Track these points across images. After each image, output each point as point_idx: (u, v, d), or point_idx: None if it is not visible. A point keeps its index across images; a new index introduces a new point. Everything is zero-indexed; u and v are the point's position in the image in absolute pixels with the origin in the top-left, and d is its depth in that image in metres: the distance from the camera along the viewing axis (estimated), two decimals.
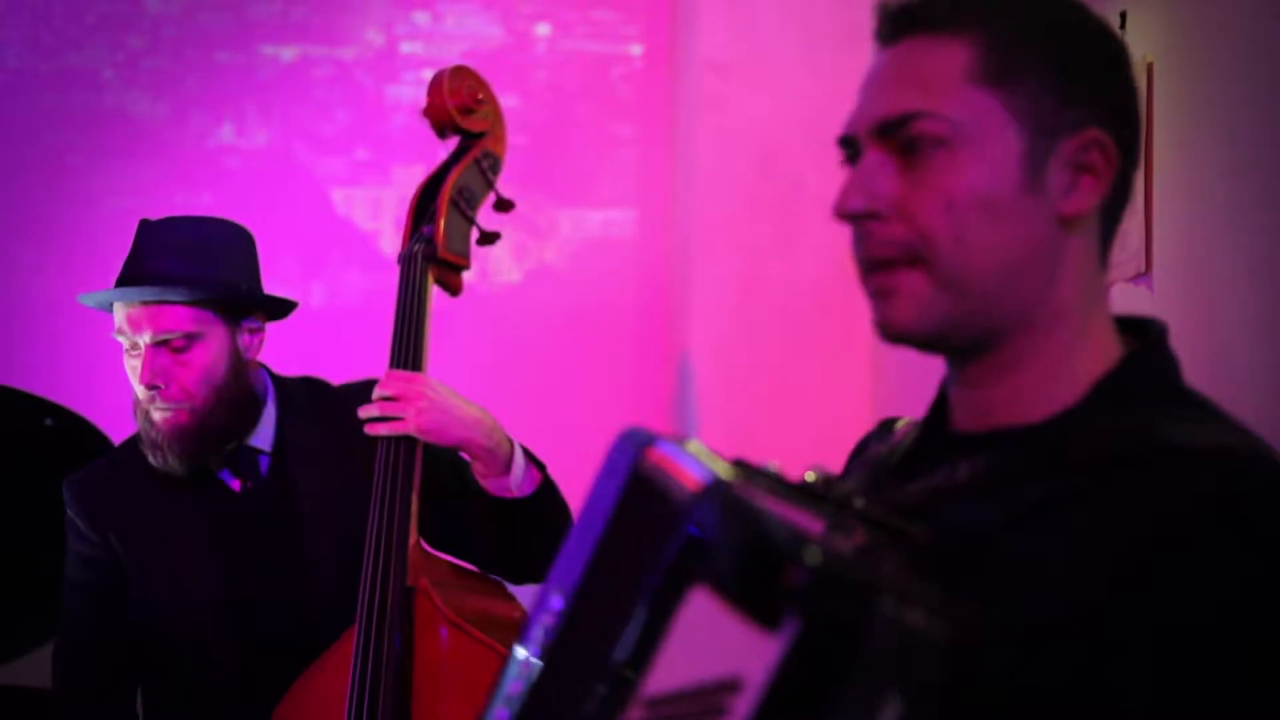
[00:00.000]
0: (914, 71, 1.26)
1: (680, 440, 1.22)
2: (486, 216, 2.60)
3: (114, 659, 2.57)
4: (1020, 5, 1.27)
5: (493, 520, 2.50)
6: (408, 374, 2.45)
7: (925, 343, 1.27)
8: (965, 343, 1.26)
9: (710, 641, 1.04)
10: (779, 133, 3.99)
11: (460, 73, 2.60)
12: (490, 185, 2.60)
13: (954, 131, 1.23)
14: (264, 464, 2.58)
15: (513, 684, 1.32)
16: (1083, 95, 1.25)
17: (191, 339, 2.51)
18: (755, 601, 1.00)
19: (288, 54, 4.20)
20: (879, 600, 0.98)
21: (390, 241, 4.14)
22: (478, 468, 2.48)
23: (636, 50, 4.31)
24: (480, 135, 2.61)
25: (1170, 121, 2.66)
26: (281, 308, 2.66)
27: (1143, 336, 1.31)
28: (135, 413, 2.55)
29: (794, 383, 3.95)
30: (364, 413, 2.44)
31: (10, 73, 4.10)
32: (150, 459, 2.53)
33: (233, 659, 2.50)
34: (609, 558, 1.26)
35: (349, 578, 2.39)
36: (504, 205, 2.61)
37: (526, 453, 2.52)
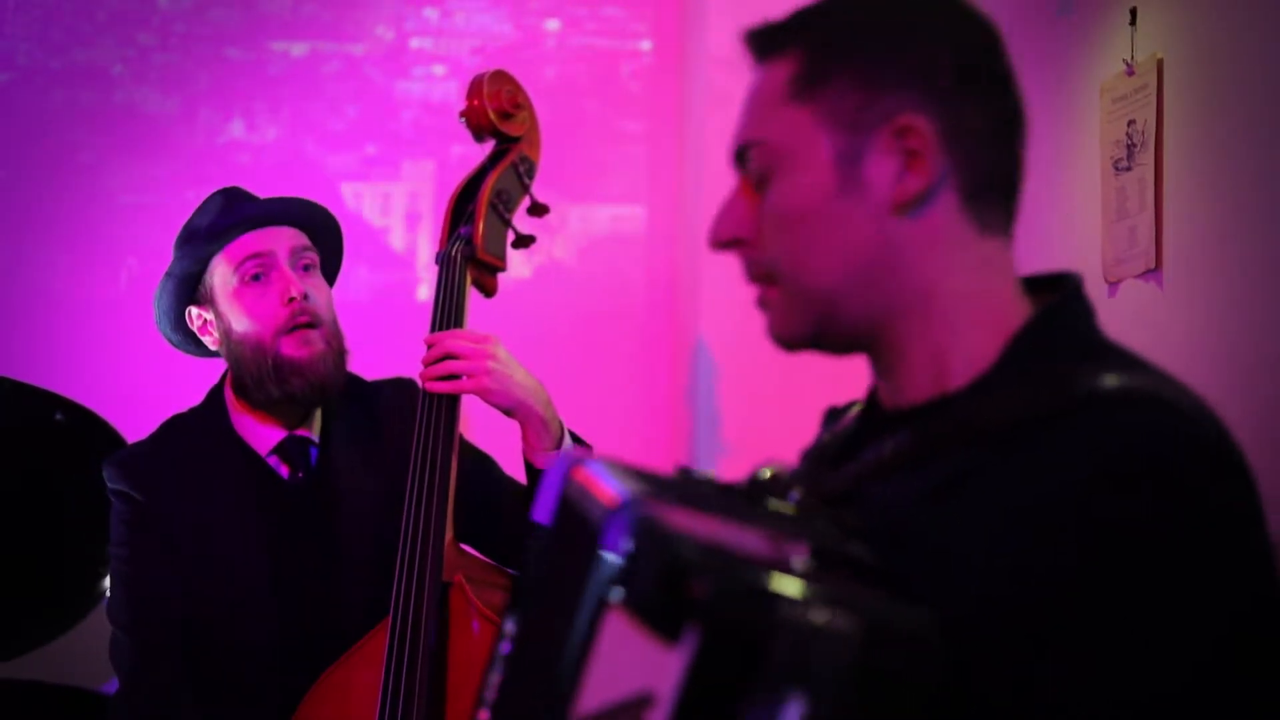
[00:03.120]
0: (752, 101, 1.32)
1: (609, 461, 1.24)
2: (520, 220, 2.62)
3: (184, 628, 2.54)
4: (838, 12, 1.31)
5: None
6: (476, 334, 2.46)
7: (805, 347, 1.33)
8: (843, 341, 1.32)
9: (632, 659, 1.04)
10: None
11: (499, 77, 2.62)
12: (526, 189, 2.63)
13: (777, 155, 1.28)
14: (313, 454, 2.59)
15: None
16: (889, 83, 1.26)
17: (313, 267, 2.54)
18: (660, 617, 1.01)
19: (298, 50, 4.21)
20: (779, 603, 0.99)
21: (400, 237, 4.15)
22: (530, 439, 2.48)
23: (646, 46, 4.31)
24: (517, 139, 2.64)
25: (1180, 118, 2.66)
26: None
27: (1060, 291, 1.32)
28: (246, 357, 2.50)
29: (803, 376, 3.95)
30: (428, 372, 2.44)
31: (20, 69, 4.11)
32: (271, 391, 2.49)
33: (268, 645, 2.50)
34: (547, 582, 1.28)
35: (387, 573, 2.40)
36: (539, 209, 2.63)
37: (574, 435, 2.54)
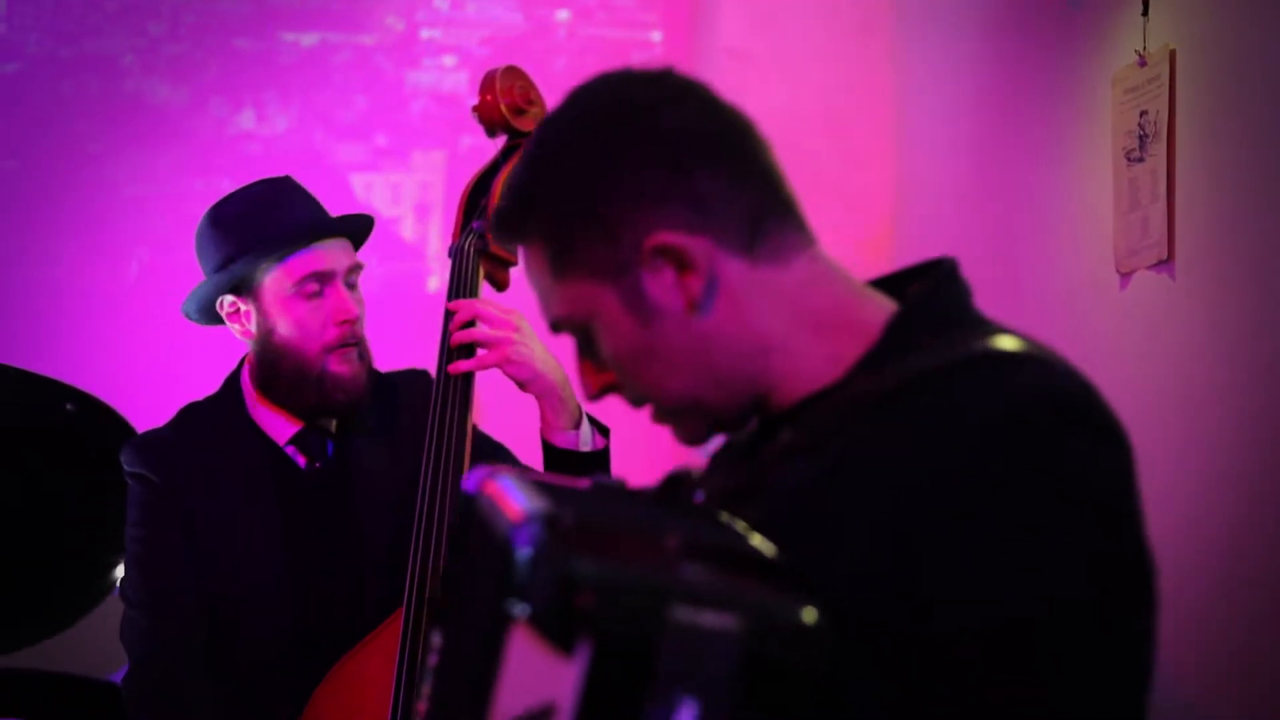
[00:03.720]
0: (534, 283, 1.38)
1: (519, 474, 1.27)
2: None
3: (201, 612, 2.54)
4: (545, 184, 1.35)
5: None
6: (501, 306, 2.49)
7: (714, 437, 1.40)
8: (740, 417, 1.37)
9: (545, 670, 1.07)
10: (798, 121, 3.98)
11: (512, 73, 2.62)
12: None
13: (581, 322, 1.35)
14: (330, 445, 2.60)
15: None
16: (620, 221, 1.31)
17: (358, 283, 2.59)
18: (555, 630, 1.04)
19: (308, 40, 4.20)
20: (664, 609, 1.01)
21: (410, 228, 4.14)
22: (548, 416, 2.50)
23: (656, 37, 4.31)
24: (529, 135, 2.64)
25: (1193, 109, 2.65)
26: None
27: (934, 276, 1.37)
28: (287, 364, 2.54)
29: None
30: (454, 338, 2.48)
31: (30, 59, 4.11)
32: (308, 399, 2.53)
33: (282, 634, 2.51)
34: (463, 595, 1.31)
35: (402, 563, 2.41)
36: None
37: (591, 419, 2.55)
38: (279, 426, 2.58)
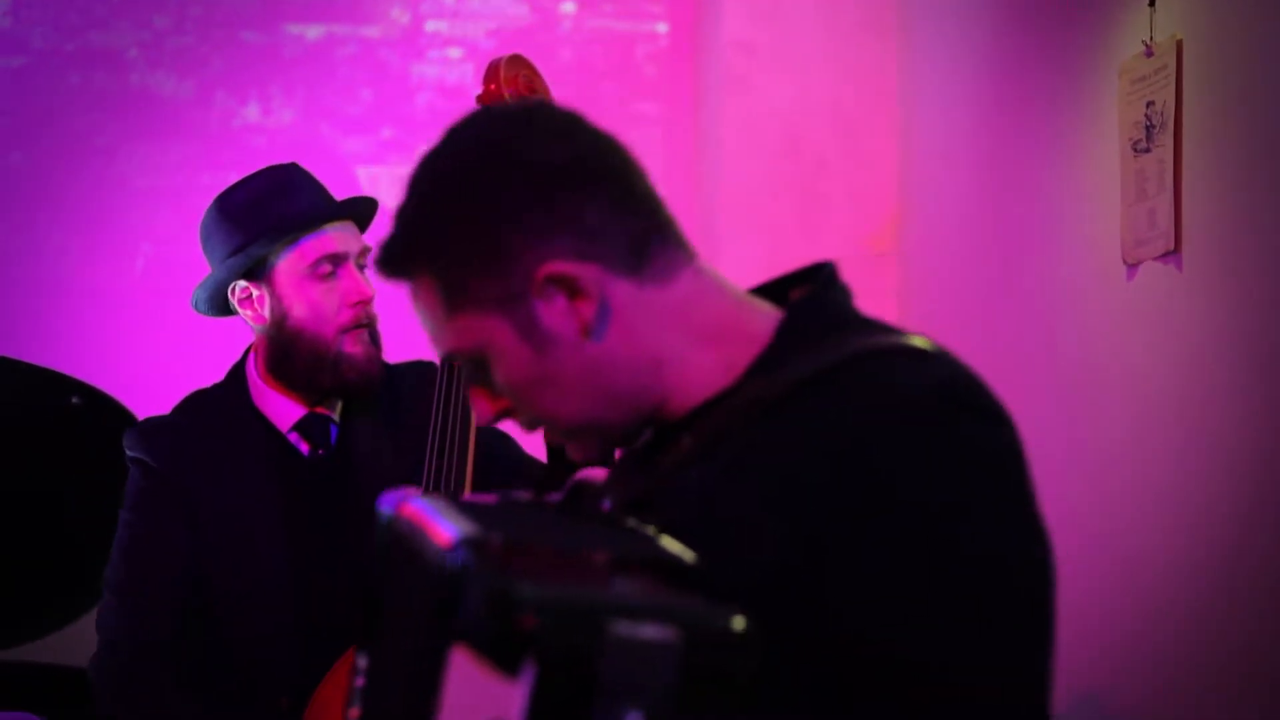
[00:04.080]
0: (425, 318, 1.41)
1: (435, 497, 1.31)
2: None
3: (180, 604, 2.54)
4: (431, 230, 1.38)
5: (557, 477, 2.52)
6: None
7: (611, 452, 1.44)
8: (634, 433, 1.41)
9: (485, 689, 1.09)
10: (803, 114, 3.98)
11: (516, 62, 2.61)
12: None
13: (476, 354, 1.38)
14: (334, 432, 2.60)
15: None
16: (510, 253, 1.34)
17: (367, 266, 2.60)
18: (498, 653, 1.06)
19: (313, 33, 4.20)
20: (603, 624, 1.04)
21: None
22: None
23: (662, 29, 4.30)
24: None
25: (1199, 100, 2.65)
26: None
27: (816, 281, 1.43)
28: (302, 346, 2.56)
29: None
30: None
31: (35, 53, 4.11)
32: (324, 380, 2.56)
33: (285, 623, 2.51)
34: (389, 618, 1.34)
35: None
36: None
37: None
38: (282, 413, 2.59)
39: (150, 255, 4.07)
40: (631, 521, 1.27)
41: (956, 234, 3.62)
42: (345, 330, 2.55)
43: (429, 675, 1.14)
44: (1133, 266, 2.84)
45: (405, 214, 1.40)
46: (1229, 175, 2.58)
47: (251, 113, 4.17)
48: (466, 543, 1.13)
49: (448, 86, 4.16)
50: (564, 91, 4.25)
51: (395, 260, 1.40)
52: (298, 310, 2.55)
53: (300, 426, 2.59)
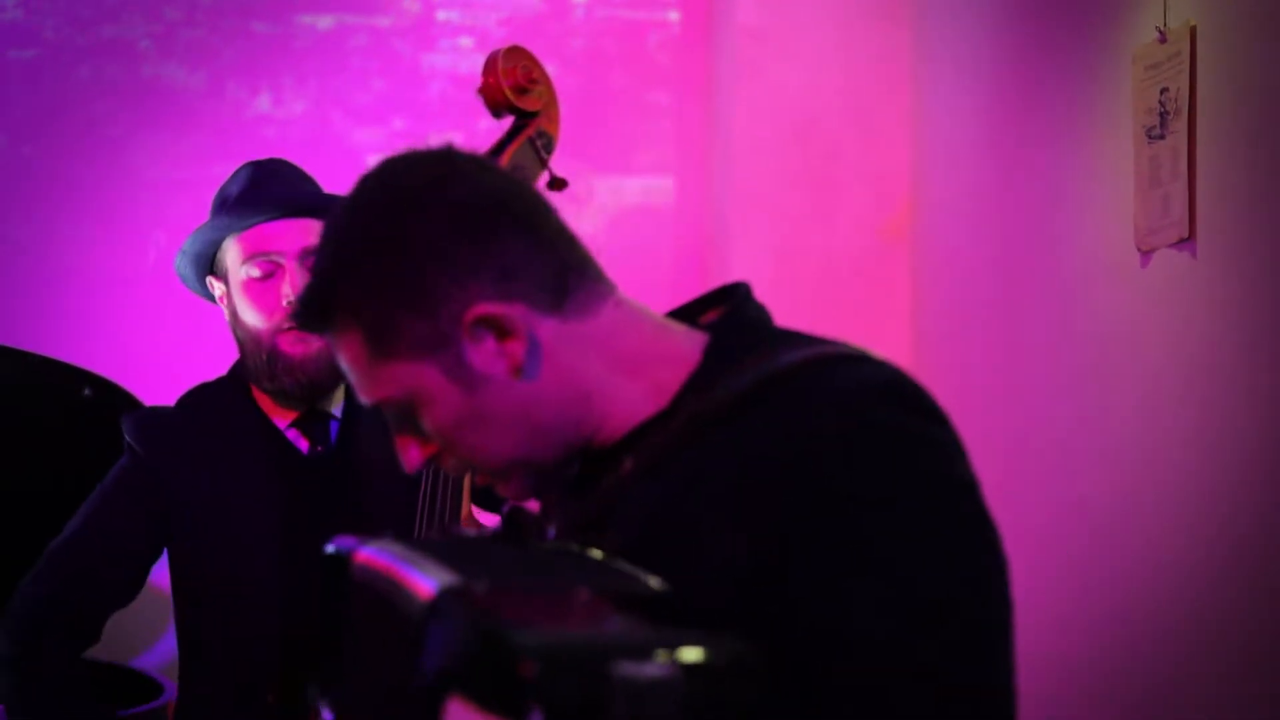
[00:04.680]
0: (351, 368, 1.40)
1: (392, 543, 1.31)
2: None
3: (107, 590, 2.53)
4: (353, 280, 1.37)
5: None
6: None
7: (546, 488, 1.43)
8: (564, 467, 1.41)
9: None
10: (816, 101, 3.97)
11: (514, 53, 2.60)
12: (544, 164, 2.61)
13: (404, 401, 1.37)
14: (334, 430, 2.59)
15: None
16: (436, 297, 1.34)
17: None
18: (500, 703, 1.05)
19: (324, 23, 4.20)
20: (606, 665, 1.03)
21: None
22: None
23: (674, 17, 4.29)
24: (534, 114, 2.62)
25: (1213, 86, 2.64)
26: None
27: (732, 300, 1.44)
28: (247, 346, 2.52)
29: None
30: None
31: (47, 44, 4.11)
32: (264, 383, 2.51)
33: (278, 621, 2.50)
34: (361, 666, 1.33)
35: None
36: (557, 184, 2.61)
37: None
38: (281, 410, 2.56)
39: (162, 247, 4.07)
40: (578, 548, 1.28)
41: (969, 221, 3.61)
42: (280, 329, 2.48)
43: None
44: (1146, 254, 2.83)
45: (323, 264, 1.40)
46: (1243, 162, 2.57)
47: (263, 103, 4.17)
48: (450, 593, 1.13)
49: (459, 76, 4.16)
50: (576, 80, 4.26)
51: (316, 312, 1.40)
52: (241, 310, 2.52)
53: (299, 423, 2.57)
